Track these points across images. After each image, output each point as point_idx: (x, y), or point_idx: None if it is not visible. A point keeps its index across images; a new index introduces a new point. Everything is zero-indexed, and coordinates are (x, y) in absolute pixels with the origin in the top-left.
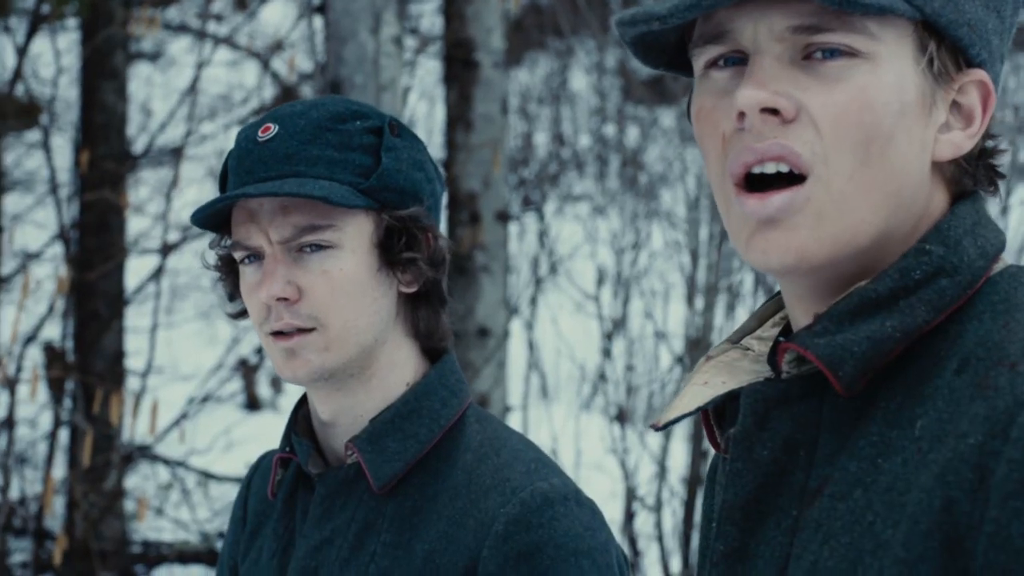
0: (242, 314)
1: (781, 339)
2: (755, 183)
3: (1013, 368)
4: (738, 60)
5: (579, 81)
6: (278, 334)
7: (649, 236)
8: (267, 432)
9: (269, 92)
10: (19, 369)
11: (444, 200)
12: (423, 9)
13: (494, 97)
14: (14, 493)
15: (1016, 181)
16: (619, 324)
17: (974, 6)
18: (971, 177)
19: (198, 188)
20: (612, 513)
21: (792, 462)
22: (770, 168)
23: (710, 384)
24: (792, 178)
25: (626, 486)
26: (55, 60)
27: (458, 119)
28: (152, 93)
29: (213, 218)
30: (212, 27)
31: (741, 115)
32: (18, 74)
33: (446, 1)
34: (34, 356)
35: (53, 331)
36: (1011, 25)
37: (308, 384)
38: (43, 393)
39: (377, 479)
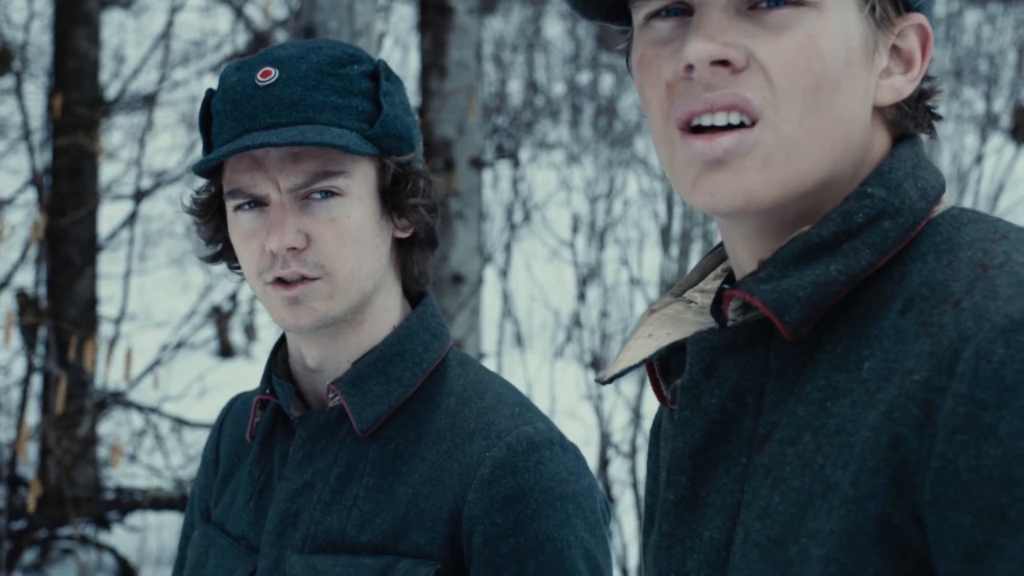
0: (215, 259)
1: (726, 287)
2: (700, 131)
3: (957, 305)
4: (680, 11)
5: (553, 28)
6: (279, 282)
7: (624, 184)
8: (240, 379)
9: (242, 38)
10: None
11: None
12: None
13: (468, 43)
14: None
15: (990, 130)
16: (594, 271)
17: None
18: (911, 120)
19: (171, 134)
20: (587, 459)
21: (740, 409)
22: (720, 119)
23: (655, 336)
24: (740, 127)
25: (600, 432)
26: (27, 5)
27: (432, 65)
28: (125, 39)
29: (209, 164)
30: None
31: (689, 67)
32: None
33: None
34: (6, 303)
35: (26, 278)
36: None
37: (311, 332)
38: (16, 340)
39: (360, 422)
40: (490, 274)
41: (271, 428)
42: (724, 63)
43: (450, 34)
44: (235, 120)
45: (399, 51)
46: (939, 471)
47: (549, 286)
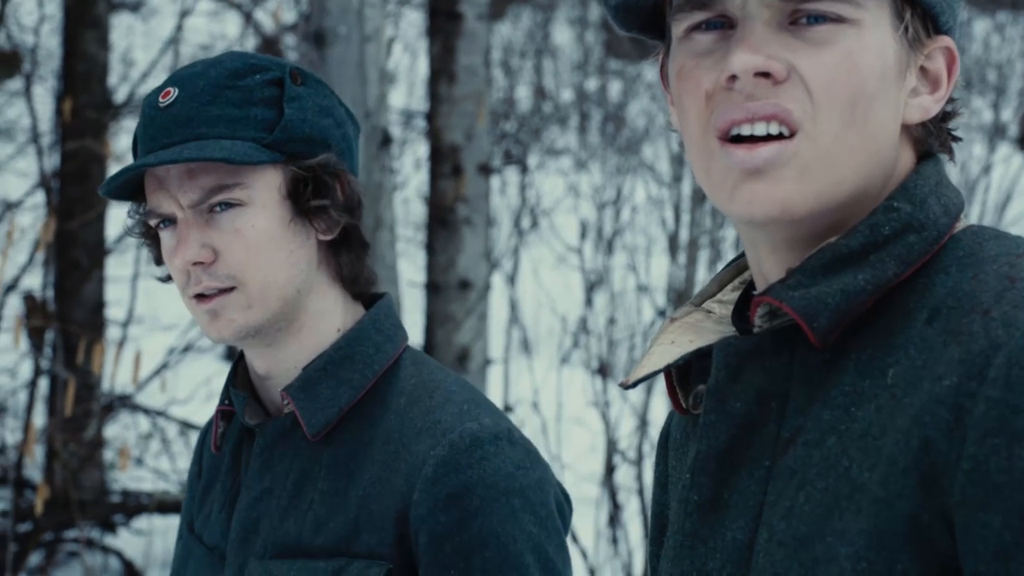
0: (171, 277)
1: (754, 293)
2: (739, 141)
3: (986, 315)
4: (721, 24)
5: (562, 35)
6: (200, 296)
7: (632, 191)
8: None
9: (251, 43)
10: None
11: (426, 152)
12: None
13: (477, 49)
14: None
15: (998, 139)
16: (601, 277)
17: None
18: (936, 138)
19: None
20: (593, 466)
21: (765, 414)
22: (760, 129)
23: (677, 343)
24: (779, 138)
25: (607, 439)
26: (37, 8)
27: (441, 71)
28: (134, 43)
29: (128, 188)
30: None
31: (732, 78)
32: (0, 23)
33: None
34: (14, 305)
35: (33, 281)
36: None
37: (236, 342)
38: (24, 342)
39: (311, 427)
40: (497, 280)
41: (240, 438)
42: (766, 75)
43: (459, 40)
44: (143, 143)
45: (408, 56)
46: (970, 473)
47: (556, 292)
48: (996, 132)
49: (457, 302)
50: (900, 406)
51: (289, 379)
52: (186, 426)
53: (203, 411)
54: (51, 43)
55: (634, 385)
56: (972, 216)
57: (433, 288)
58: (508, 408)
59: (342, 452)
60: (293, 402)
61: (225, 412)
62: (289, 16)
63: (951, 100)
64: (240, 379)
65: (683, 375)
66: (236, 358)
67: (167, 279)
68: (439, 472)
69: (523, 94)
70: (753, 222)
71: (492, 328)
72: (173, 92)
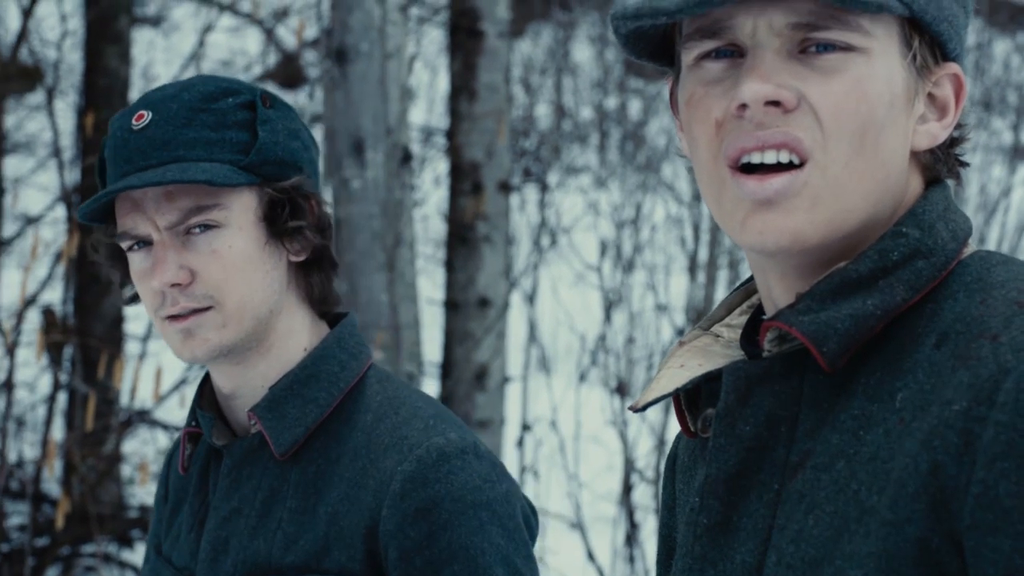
0: (133, 299)
1: (764, 318)
2: (750, 170)
3: (995, 340)
4: (731, 53)
5: (582, 53)
6: (172, 317)
7: (651, 209)
8: None
9: (272, 59)
10: (19, 332)
11: (446, 169)
12: None
13: (498, 67)
14: (12, 456)
15: (1018, 161)
16: (620, 296)
17: (950, 3)
18: (943, 165)
19: None
20: (611, 484)
21: (774, 437)
22: (770, 157)
23: (687, 367)
24: (789, 167)
25: (625, 458)
26: (60, 23)
27: (462, 88)
28: (155, 57)
29: (100, 211)
30: None
31: (743, 107)
32: (22, 37)
33: None
34: (34, 319)
35: (52, 295)
36: (970, 19)
37: (207, 362)
38: (43, 356)
39: (278, 446)
40: (516, 298)
41: (208, 459)
42: (776, 104)
43: (480, 57)
44: (115, 165)
45: (429, 73)
46: (979, 497)
47: (575, 310)
48: (1016, 154)
49: (476, 320)
50: (909, 430)
51: (256, 398)
52: None
53: None
54: (73, 58)
55: (643, 409)
56: (991, 239)
57: (452, 306)
58: (527, 427)
59: (310, 470)
60: (260, 422)
61: (192, 433)
62: (310, 32)
63: (959, 126)
64: (206, 400)
65: (692, 399)
66: (203, 379)
67: (132, 301)
68: (407, 487)
69: (543, 112)
70: (764, 252)
71: (510, 346)
72: (147, 115)
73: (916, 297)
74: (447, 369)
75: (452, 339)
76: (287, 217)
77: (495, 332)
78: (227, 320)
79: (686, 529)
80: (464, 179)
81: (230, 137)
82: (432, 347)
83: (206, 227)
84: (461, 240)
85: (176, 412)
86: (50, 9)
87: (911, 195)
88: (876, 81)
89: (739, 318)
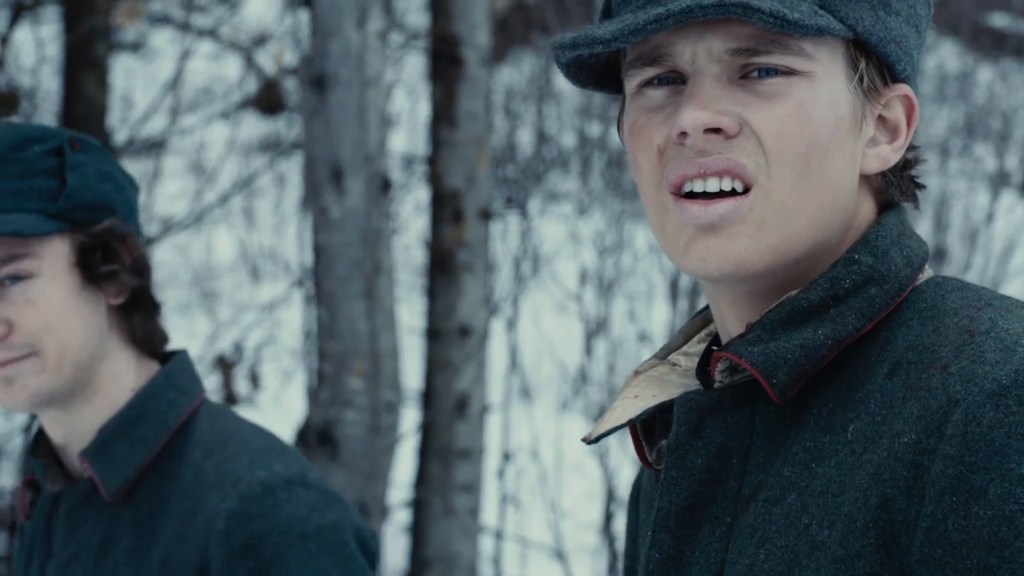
0: None
1: (714, 348)
2: (693, 197)
3: (945, 370)
4: (673, 79)
5: (563, 80)
6: None
7: (633, 236)
8: None
9: (252, 85)
10: None
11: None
12: (410, 4)
13: (479, 94)
14: None
15: (1001, 188)
16: (601, 324)
17: (899, 23)
18: (896, 188)
19: (179, 181)
20: (591, 514)
21: (726, 469)
22: (713, 185)
23: (641, 397)
24: (732, 194)
25: (606, 487)
26: (35, 50)
27: (443, 116)
28: (134, 84)
29: None
30: (196, 19)
31: (683, 134)
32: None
33: None
34: None
35: None
36: (924, 39)
37: (31, 409)
38: None
39: (108, 487)
40: (497, 326)
41: (51, 505)
42: (717, 130)
43: (461, 84)
44: None
45: (410, 100)
46: (928, 531)
47: (557, 339)
48: (1000, 180)
49: (456, 348)
50: (860, 462)
51: (87, 443)
52: None
53: None
54: (52, 84)
55: (596, 440)
56: (975, 267)
57: (433, 334)
58: (507, 456)
59: (143, 510)
60: (90, 465)
61: (31, 481)
62: (290, 58)
63: (912, 148)
64: (43, 447)
65: (648, 430)
66: (38, 428)
67: None
68: (231, 524)
69: (525, 138)
70: (708, 278)
71: (491, 375)
72: None
73: (869, 325)
74: (427, 398)
75: (433, 368)
76: (99, 261)
77: (476, 361)
78: (45, 366)
79: (643, 562)
80: (445, 207)
81: (38, 185)
82: (412, 376)
83: (17, 278)
84: (441, 268)
85: None
86: (28, 35)
87: (863, 220)
88: (819, 104)
89: (697, 346)
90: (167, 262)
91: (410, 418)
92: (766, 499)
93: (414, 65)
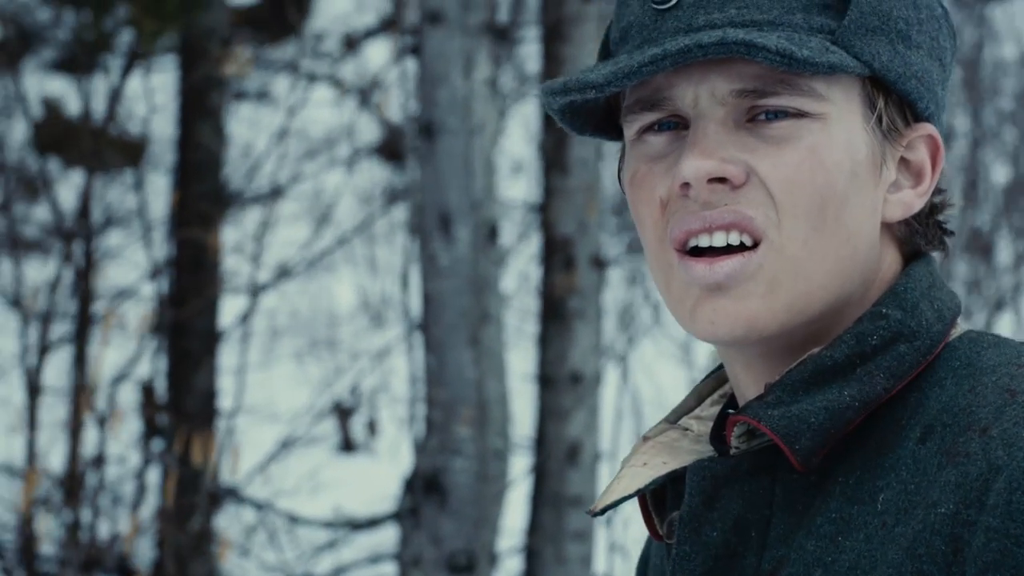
0: None
1: (730, 412)
2: (699, 253)
3: (984, 433)
4: (675, 124)
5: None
6: None
7: None
8: (360, 475)
9: (370, 132)
10: (110, 407)
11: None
12: (529, 51)
13: (590, 140)
14: (104, 531)
15: None
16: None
17: (920, 57)
18: (922, 236)
19: (296, 227)
20: None
21: (743, 543)
22: (719, 240)
23: (650, 465)
24: (741, 248)
25: None
26: (146, 98)
27: (554, 163)
28: (258, 133)
29: None
30: (318, 67)
31: (686, 185)
32: (112, 112)
33: (545, 44)
34: (125, 394)
35: (147, 369)
36: (950, 73)
37: None
38: (133, 431)
39: None
40: (609, 373)
41: None
42: (722, 180)
43: None
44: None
45: (524, 146)
46: None
47: (668, 385)
48: None
49: (568, 395)
50: (892, 536)
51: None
52: (291, 519)
53: (311, 503)
54: (164, 133)
55: (602, 513)
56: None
57: (545, 381)
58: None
59: None
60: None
61: None
62: (398, 106)
63: (939, 191)
64: None
65: (659, 500)
66: None
67: None
68: None
69: None
70: (718, 343)
71: (603, 422)
72: None
73: (898, 385)
74: (540, 445)
75: (544, 415)
76: None
77: (587, 407)
78: None
79: None
80: (556, 253)
81: None
82: (525, 423)
83: None
84: (553, 315)
85: (266, 489)
86: (139, 84)
87: (887, 271)
88: (834, 149)
89: (710, 409)
90: (285, 308)
91: (520, 465)
92: (788, 575)
93: (528, 111)
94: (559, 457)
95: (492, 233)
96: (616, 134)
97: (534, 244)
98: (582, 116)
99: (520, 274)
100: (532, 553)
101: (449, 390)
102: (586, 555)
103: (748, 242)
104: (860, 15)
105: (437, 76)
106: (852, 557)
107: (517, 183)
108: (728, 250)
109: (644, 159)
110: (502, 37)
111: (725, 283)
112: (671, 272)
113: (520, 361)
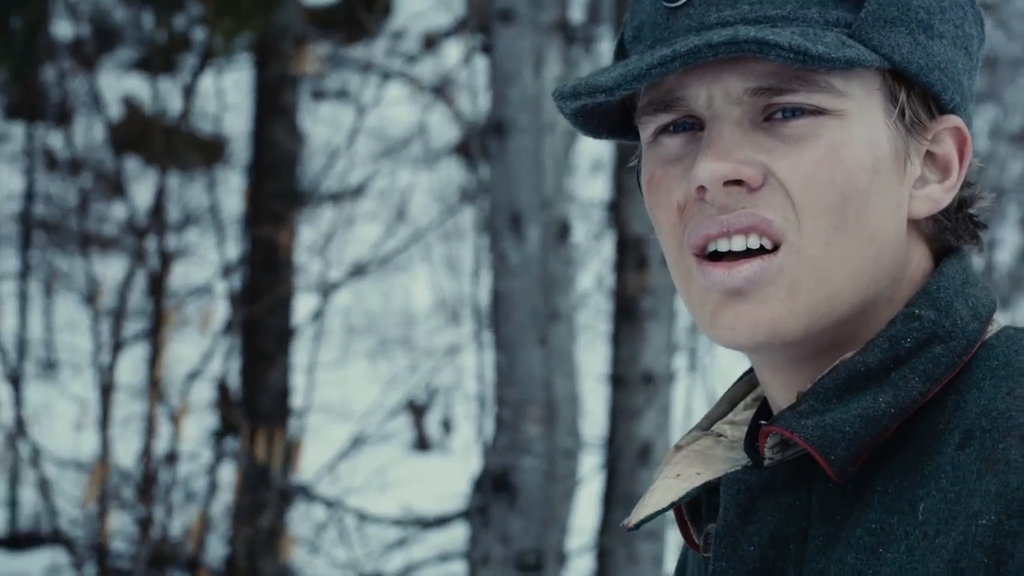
0: None
1: (762, 423)
2: (718, 258)
3: None
4: (690, 125)
5: None
6: None
7: None
8: (434, 473)
9: (447, 131)
10: (183, 404)
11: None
12: (606, 49)
13: None
14: (176, 527)
15: None
16: None
17: (943, 47)
18: (951, 232)
19: (371, 226)
20: None
21: (782, 557)
22: (738, 244)
23: (683, 476)
24: (761, 252)
25: None
26: (217, 97)
27: (626, 161)
28: (337, 132)
29: None
30: (395, 65)
31: (702, 189)
32: (186, 111)
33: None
34: (199, 391)
35: (221, 368)
36: (978, 61)
37: None
38: (206, 428)
39: None
40: (680, 373)
41: None
42: (739, 182)
43: None
44: None
45: (596, 145)
46: None
47: None
48: None
49: (640, 395)
50: (933, 547)
51: None
52: (361, 516)
53: (381, 501)
54: (235, 131)
55: (637, 527)
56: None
57: (617, 381)
58: None
59: None
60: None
61: None
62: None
63: (968, 184)
64: None
65: (694, 510)
66: None
67: None
68: None
69: None
70: (740, 349)
71: (674, 421)
72: None
73: (935, 389)
74: (611, 444)
75: (617, 414)
76: None
77: (658, 407)
78: None
79: None
80: (629, 253)
81: None
82: (594, 422)
83: None
84: (626, 314)
85: (338, 486)
86: (222, 82)
87: (917, 269)
88: (854, 146)
89: (744, 413)
90: (360, 307)
91: (591, 465)
92: None
93: None
94: (631, 456)
95: (563, 232)
96: (633, 135)
97: (610, 244)
98: (596, 118)
99: (596, 274)
100: (604, 552)
101: (518, 389)
102: (658, 554)
103: (768, 245)
104: (878, 6)
105: (508, 74)
106: (894, 569)
107: (596, 182)
108: (747, 254)
109: (660, 162)
110: (573, 36)
111: (745, 288)
112: (690, 277)
113: (597, 361)
